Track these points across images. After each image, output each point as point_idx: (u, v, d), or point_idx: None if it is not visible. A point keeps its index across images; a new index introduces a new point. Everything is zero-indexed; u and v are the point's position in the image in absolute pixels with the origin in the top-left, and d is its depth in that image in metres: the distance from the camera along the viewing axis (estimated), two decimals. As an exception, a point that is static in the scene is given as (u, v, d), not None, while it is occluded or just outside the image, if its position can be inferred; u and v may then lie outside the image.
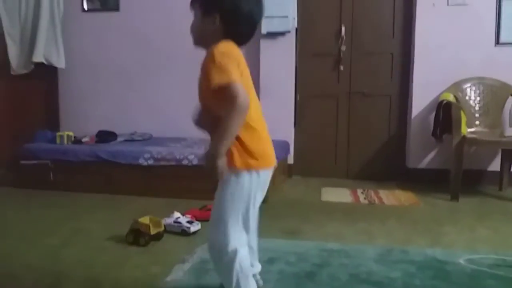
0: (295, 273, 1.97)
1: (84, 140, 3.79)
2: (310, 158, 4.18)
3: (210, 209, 1.66)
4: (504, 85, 3.68)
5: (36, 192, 3.48)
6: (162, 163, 3.38)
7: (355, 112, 4.13)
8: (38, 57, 4.20)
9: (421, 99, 3.89)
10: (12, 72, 4.22)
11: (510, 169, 3.67)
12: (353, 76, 4.09)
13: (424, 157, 3.94)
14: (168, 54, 4.25)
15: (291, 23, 3.90)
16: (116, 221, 2.71)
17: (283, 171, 3.89)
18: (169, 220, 2.54)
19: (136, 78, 4.40)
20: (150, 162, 3.40)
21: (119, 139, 3.95)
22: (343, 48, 4.04)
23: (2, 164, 3.84)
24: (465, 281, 1.90)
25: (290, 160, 4.13)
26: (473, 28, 3.76)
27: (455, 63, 3.77)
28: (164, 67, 4.31)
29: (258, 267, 1.70)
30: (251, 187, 1.38)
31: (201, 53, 1.41)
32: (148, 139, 4.07)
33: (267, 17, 3.90)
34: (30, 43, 4.24)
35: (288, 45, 4.03)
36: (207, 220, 1.63)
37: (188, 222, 2.51)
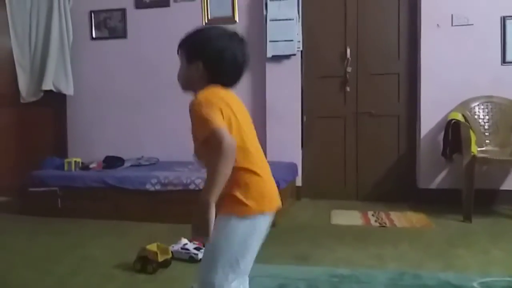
0: (306, 300, 1.93)
1: (91, 166, 3.80)
2: (319, 180, 4.14)
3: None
4: (512, 103, 3.66)
5: (43, 219, 3.47)
6: (169, 188, 3.37)
7: (363, 132, 4.11)
8: (48, 85, 4.26)
9: (429, 119, 3.87)
10: (21, 101, 4.28)
11: (523, 188, 3.62)
12: (360, 97, 4.09)
13: (435, 177, 3.89)
14: (173, 80, 4.15)
15: (296, 46, 3.93)
16: (123, 248, 2.69)
17: (291, 194, 3.85)
18: (176, 247, 2.51)
19: (143, 104, 4.44)
20: (157, 187, 3.39)
21: (126, 164, 3.96)
22: (349, 69, 4.05)
23: (11, 192, 3.85)
24: (481, 307, 1.85)
25: (299, 182, 4.09)
26: (479, 48, 3.75)
27: (462, 82, 3.75)
28: (170, 93, 4.31)
29: None
30: (247, 232, 1.32)
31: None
32: (154, 164, 4.08)
33: (271, 41, 3.96)
34: (39, 72, 4.32)
35: (294, 67, 4.05)
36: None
37: (195, 248, 2.48)
